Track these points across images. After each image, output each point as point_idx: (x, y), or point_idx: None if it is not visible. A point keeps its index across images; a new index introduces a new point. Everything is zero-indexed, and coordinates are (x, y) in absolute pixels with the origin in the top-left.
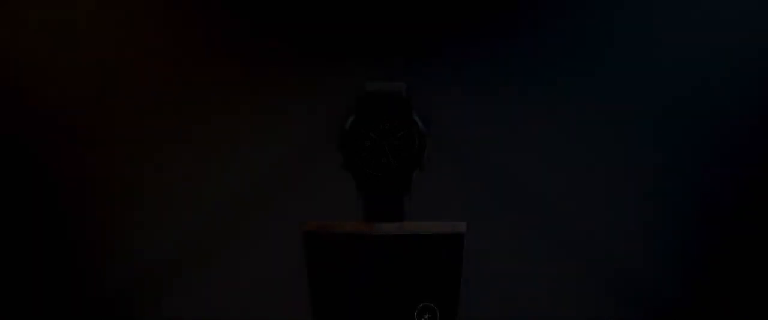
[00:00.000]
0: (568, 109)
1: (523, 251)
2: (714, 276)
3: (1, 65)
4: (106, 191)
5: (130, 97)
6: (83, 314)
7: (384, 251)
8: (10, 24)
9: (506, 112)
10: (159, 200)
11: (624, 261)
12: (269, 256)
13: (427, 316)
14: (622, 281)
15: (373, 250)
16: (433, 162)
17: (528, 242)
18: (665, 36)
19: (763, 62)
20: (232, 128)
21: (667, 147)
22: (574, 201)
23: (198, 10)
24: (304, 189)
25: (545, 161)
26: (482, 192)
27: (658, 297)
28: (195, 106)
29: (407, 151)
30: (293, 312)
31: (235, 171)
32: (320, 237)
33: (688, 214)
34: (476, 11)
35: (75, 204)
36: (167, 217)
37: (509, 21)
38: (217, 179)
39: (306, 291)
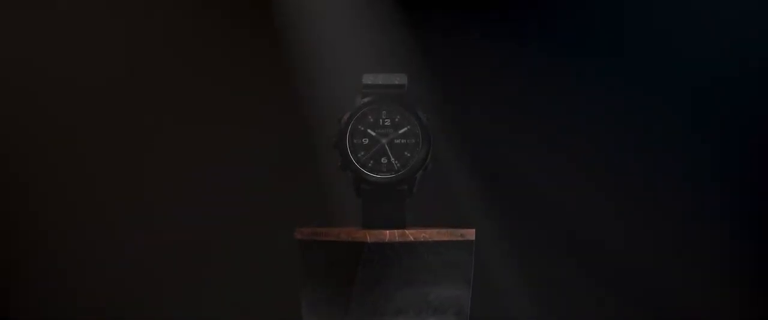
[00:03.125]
0: (581, 105)
1: (537, 257)
2: (740, 284)
3: None
4: (98, 192)
5: (123, 98)
6: (78, 315)
7: (384, 261)
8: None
9: (518, 108)
10: (150, 202)
11: (641, 268)
12: (263, 262)
13: None
14: (640, 290)
15: (373, 260)
16: (438, 163)
17: (542, 247)
18: (685, 28)
19: None
20: (225, 127)
21: (691, 145)
22: (588, 203)
23: (189, 9)
24: (298, 192)
25: (559, 161)
26: (492, 195)
27: (677, 304)
28: (188, 106)
29: (410, 149)
30: None
31: (228, 173)
32: (314, 245)
33: (709, 218)
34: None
35: (68, 206)
36: (158, 220)
37: (521, 12)
38: (210, 180)
39: (301, 299)
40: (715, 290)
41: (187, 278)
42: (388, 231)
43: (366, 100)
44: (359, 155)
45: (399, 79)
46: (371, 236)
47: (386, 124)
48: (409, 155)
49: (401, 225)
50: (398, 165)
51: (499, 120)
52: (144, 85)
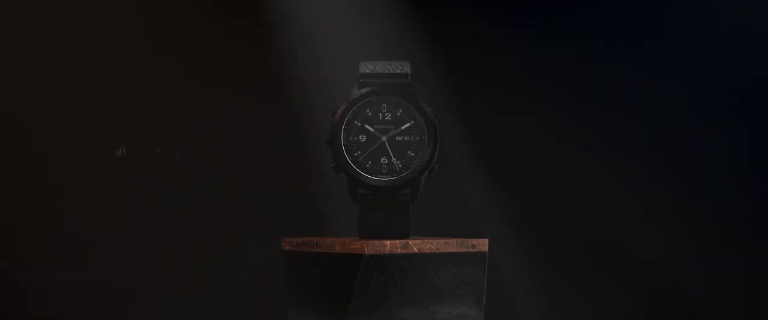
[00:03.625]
0: (610, 97)
1: (557, 270)
2: None
3: None
4: (80, 195)
5: (111, 98)
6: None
7: (385, 276)
8: None
9: (538, 101)
10: (129, 205)
11: (674, 279)
12: (244, 276)
13: None
14: (673, 303)
15: (371, 275)
16: (446, 163)
17: (563, 259)
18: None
19: None
20: (203, 122)
21: (733, 144)
22: (616, 208)
23: (174, 8)
24: (285, 196)
25: (585, 161)
26: (508, 200)
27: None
28: (174, 106)
29: (414, 148)
30: None
31: (205, 175)
32: (303, 258)
33: (752, 222)
34: None
35: (51, 208)
36: (130, 226)
37: None
38: (182, 183)
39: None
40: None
41: (161, 287)
42: (388, 242)
43: (363, 91)
44: (355, 154)
45: (401, 67)
46: (369, 247)
47: (387, 118)
48: (412, 155)
49: (404, 234)
50: (400, 166)
51: (516, 115)
52: (122, 77)
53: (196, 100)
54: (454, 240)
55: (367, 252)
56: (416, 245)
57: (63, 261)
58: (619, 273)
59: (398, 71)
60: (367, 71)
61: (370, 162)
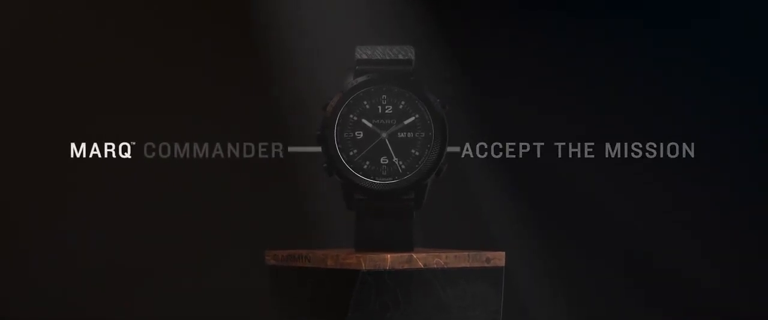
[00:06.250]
0: (650, 84)
1: (586, 287)
2: None
3: None
4: (66, 199)
5: (104, 98)
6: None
7: (385, 295)
8: None
9: (563, 91)
10: (121, 209)
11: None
12: (225, 291)
13: None
14: None
15: (369, 293)
16: (455, 164)
17: (593, 275)
18: None
19: None
20: (180, 118)
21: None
22: (655, 217)
23: (164, 7)
24: (271, 203)
25: (617, 162)
26: (527, 207)
27: None
28: (164, 106)
29: (418, 146)
30: None
31: (181, 179)
32: (291, 274)
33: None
34: None
35: (38, 211)
36: (131, 230)
37: None
38: (181, 183)
39: None
40: None
41: (154, 293)
42: (389, 256)
43: (360, 80)
44: (351, 154)
45: (404, 52)
46: (367, 262)
47: (387, 112)
48: (417, 154)
49: (407, 247)
50: (403, 167)
51: (537, 107)
52: (115, 85)
53: (176, 94)
54: (466, 253)
55: (364, 267)
56: (421, 259)
57: (56, 264)
58: (653, 290)
59: (400, 57)
60: (365, 57)
61: (367, 162)
